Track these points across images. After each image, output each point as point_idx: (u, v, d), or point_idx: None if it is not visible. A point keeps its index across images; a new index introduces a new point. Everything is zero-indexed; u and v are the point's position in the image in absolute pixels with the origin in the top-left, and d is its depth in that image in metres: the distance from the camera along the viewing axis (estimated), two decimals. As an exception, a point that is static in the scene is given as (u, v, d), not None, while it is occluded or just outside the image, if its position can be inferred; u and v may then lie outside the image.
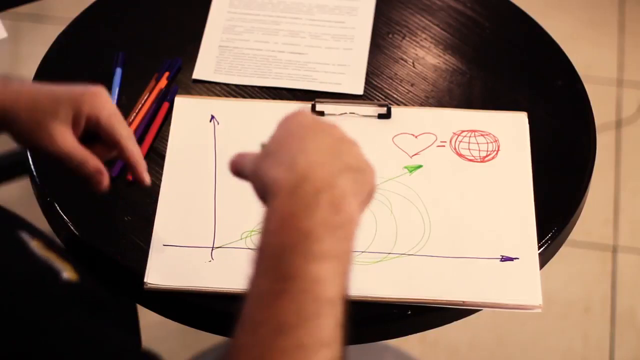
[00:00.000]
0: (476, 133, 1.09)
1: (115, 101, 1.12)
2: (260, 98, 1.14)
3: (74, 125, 0.89)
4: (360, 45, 1.20)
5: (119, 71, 1.14)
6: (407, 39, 1.21)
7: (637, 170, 2.07)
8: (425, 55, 1.19)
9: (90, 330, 0.61)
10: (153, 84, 1.14)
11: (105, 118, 0.89)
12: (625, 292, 1.87)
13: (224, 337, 1.01)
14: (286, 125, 0.74)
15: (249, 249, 0.99)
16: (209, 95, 1.14)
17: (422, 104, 1.14)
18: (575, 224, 1.06)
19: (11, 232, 0.65)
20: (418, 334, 0.99)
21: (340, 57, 1.18)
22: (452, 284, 0.96)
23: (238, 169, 0.78)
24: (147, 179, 0.93)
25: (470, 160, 1.07)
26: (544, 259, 1.01)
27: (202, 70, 1.17)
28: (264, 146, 0.75)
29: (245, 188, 1.05)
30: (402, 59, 1.19)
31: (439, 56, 1.19)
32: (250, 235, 1.00)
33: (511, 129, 1.10)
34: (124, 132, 0.91)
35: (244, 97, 1.14)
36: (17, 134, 0.88)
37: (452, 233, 1.00)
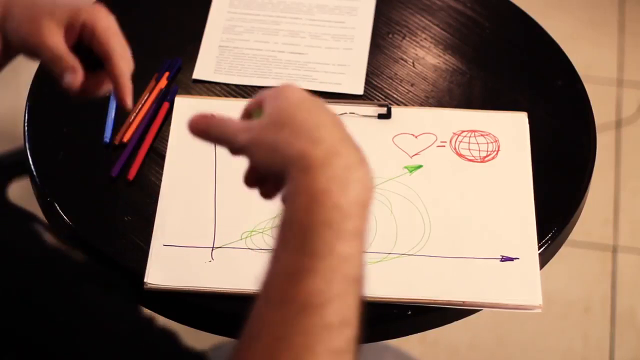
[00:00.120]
0: (476, 133, 1.09)
1: (115, 101, 1.12)
2: (260, 98, 1.14)
3: (68, 30, 0.85)
4: (360, 45, 1.20)
5: (119, 71, 1.14)
6: (407, 39, 1.21)
7: (637, 170, 2.06)
8: (425, 55, 1.19)
9: (104, 305, 0.61)
10: (153, 84, 1.14)
11: (101, 29, 0.85)
12: (625, 292, 1.87)
13: (224, 337, 1.01)
14: (284, 96, 0.73)
15: (249, 249, 0.99)
16: (209, 95, 1.14)
17: (422, 104, 1.14)
18: (575, 224, 1.06)
19: (27, 224, 0.65)
20: (418, 334, 0.99)
21: (340, 57, 1.18)
22: (452, 284, 0.96)
23: (212, 132, 0.75)
24: (129, 102, 0.87)
25: (470, 160, 1.07)
26: (544, 259, 1.01)
27: (202, 70, 1.17)
28: (257, 115, 0.74)
29: (245, 188, 1.05)
30: (402, 59, 1.19)
31: (439, 56, 1.19)
32: (250, 235, 1.00)
33: (511, 129, 1.10)
34: (118, 48, 0.86)
35: (244, 97, 1.14)
36: (10, 31, 0.85)
37: (452, 233, 1.00)
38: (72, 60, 0.85)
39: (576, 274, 1.88)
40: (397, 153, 1.07)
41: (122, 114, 1.10)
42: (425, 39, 1.21)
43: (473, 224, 1.01)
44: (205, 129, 0.75)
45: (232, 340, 0.67)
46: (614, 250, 1.93)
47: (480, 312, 0.96)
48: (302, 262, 0.65)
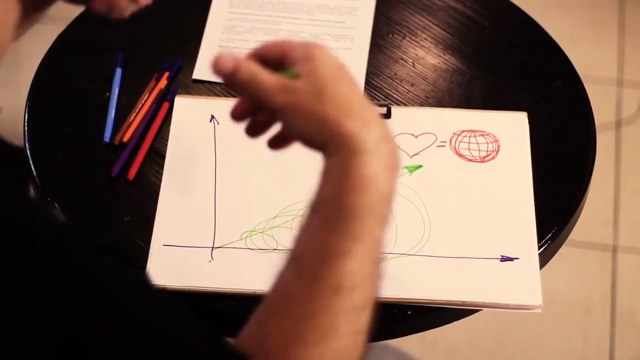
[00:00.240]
0: (476, 133, 1.09)
1: (115, 101, 1.12)
2: (260, 98, 1.14)
3: None
4: (360, 45, 1.20)
5: (119, 71, 1.14)
6: (407, 39, 1.21)
7: (637, 170, 2.07)
8: (425, 55, 1.19)
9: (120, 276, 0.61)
10: (153, 84, 1.14)
11: None
12: (625, 292, 1.87)
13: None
14: (319, 61, 0.70)
15: (249, 249, 0.99)
16: (209, 95, 1.14)
17: (422, 104, 1.14)
18: (575, 224, 1.06)
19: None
20: (418, 334, 0.99)
21: (340, 57, 1.18)
22: (452, 284, 0.96)
23: (240, 77, 0.71)
24: None
25: (470, 160, 1.07)
26: (544, 259, 1.01)
27: (202, 70, 1.17)
28: (288, 74, 0.70)
29: (245, 188, 1.05)
30: (402, 59, 1.19)
31: (439, 56, 1.19)
32: (250, 235, 1.00)
33: (511, 129, 1.10)
34: None
35: (244, 97, 1.14)
36: None
37: (452, 233, 1.00)
38: None
39: (576, 274, 1.88)
40: (397, 153, 1.07)
41: (122, 114, 1.10)
42: (425, 39, 1.21)
43: (473, 224, 1.01)
44: (231, 72, 0.71)
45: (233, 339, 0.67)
46: (614, 250, 1.93)
47: (480, 312, 0.96)
48: (341, 245, 0.66)
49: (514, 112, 1.11)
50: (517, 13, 1.24)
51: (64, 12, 1.08)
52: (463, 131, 1.09)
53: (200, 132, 1.08)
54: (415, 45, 1.20)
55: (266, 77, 0.70)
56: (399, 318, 0.95)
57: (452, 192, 1.04)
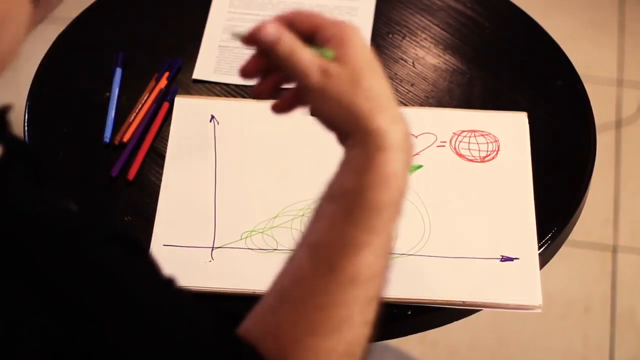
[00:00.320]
0: (476, 133, 1.09)
1: (115, 101, 1.12)
2: (260, 98, 1.13)
3: None
4: (360, 45, 1.19)
5: (119, 71, 1.14)
6: (407, 39, 1.21)
7: (637, 170, 2.06)
8: (425, 55, 1.19)
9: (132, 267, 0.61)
10: (153, 84, 1.14)
11: None
12: (625, 292, 1.87)
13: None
14: (356, 46, 0.69)
15: (249, 249, 0.99)
16: (209, 95, 1.14)
17: (422, 104, 1.14)
18: (575, 224, 1.06)
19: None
20: (418, 334, 0.99)
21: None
22: (452, 284, 0.96)
23: (282, 49, 0.69)
24: None
25: (470, 160, 1.07)
26: (544, 259, 1.01)
27: (202, 70, 1.17)
28: (324, 52, 0.69)
29: (245, 188, 1.05)
30: (402, 59, 1.19)
31: (439, 56, 1.19)
32: (250, 235, 1.00)
33: (511, 129, 1.10)
34: None
35: (244, 97, 1.14)
36: None
37: (452, 233, 1.00)
38: None
39: (576, 274, 1.88)
40: (397, 153, 1.07)
41: (122, 114, 1.10)
42: (425, 39, 1.21)
43: (473, 224, 1.01)
44: (272, 42, 0.69)
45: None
46: (614, 250, 1.93)
47: (480, 312, 0.96)
48: (360, 237, 0.67)
49: (514, 112, 1.11)
50: (517, 13, 1.24)
51: (64, 12, 1.08)
52: (463, 131, 1.09)
53: (200, 132, 1.08)
54: (415, 45, 1.20)
55: (306, 56, 0.69)
56: (399, 318, 0.95)
57: (452, 192, 1.04)
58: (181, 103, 1.11)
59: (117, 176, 1.05)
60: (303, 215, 1.01)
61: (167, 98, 1.12)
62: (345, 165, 0.69)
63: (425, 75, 1.17)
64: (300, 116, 1.10)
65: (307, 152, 1.07)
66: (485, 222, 1.01)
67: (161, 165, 1.06)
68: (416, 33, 1.22)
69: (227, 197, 1.03)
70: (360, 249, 0.66)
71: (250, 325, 0.67)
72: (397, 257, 0.98)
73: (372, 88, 0.69)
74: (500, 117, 1.11)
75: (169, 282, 0.63)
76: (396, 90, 1.15)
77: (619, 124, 2.13)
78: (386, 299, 0.94)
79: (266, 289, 0.69)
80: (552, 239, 1.01)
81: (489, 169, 1.06)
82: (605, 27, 2.32)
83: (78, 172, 1.06)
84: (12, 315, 0.54)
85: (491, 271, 0.97)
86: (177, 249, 0.98)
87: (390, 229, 0.69)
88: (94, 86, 1.14)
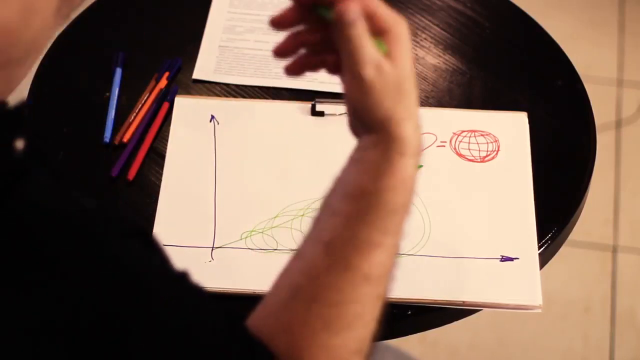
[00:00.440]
0: (476, 133, 1.09)
1: (115, 101, 1.12)
2: (260, 98, 1.14)
3: None
4: (360, 45, 1.19)
5: (119, 71, 1.14)
6: (407, 39, 1.21)
7: (637, 170, 2.07)
8: (425, 55, 1.19)
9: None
10: (153, 84, 1.14)
11: None
12: (625, 292, 1.87)
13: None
14: (409, 53, 0.70)
15: (249, 249, 0.99)
16: (209, 95, 1.14)
17: (422, 104, 1.13)
18: (575, 224, 1.06)
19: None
20: (418, 334, 0.99)
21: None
22: (452, 284, 0.96)
23: (353, 36, 0.67)
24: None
25: (470, 160, 1.07)
26: (544, 259, 1.01)
27: (202, 70, 1.17)
28: (384, 50, 0.69)
29: (245, 188, 1.05)
30: (402, 59, 1.18)
31: (439, 56, 1.19)
32: (250, 235, 1.00)
33: (511, 129, 1.10)
34: None
35: (244, 97, 1.14)
36: None
37: (452, 233, 1.00)
38: None
39: (576, 274, 1.88)
40: (397, 153, 1.07)
41: (122, 114, 1.10)
42: (425, 39, 1.21)
43: (473, 224, 1.01)
44: (348, 21, 0.68)
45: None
46: (614, 250, 1.93)
47: (480, 312, 0.96)
48: (376, 237, 0.68)
49: (514, 112, 1.11)
50: (517, 13, 1.24)
51: (64, 12, 1.07)
52: (463, 131, 1.09)
53: (200, 132, 1.08)
54: (415, 45, 1.20)
55: (370, 47, 0.68)
56: (399, 318, 0.95)
57: (452, 192, 1.04)
58: (181, 103, 1.11)
59: (117, 176, 1.05)
60: (303, 215, 1.01)
61: (167, 98, 1.12)
62: (362, 165, 0.70)
63: (425, 75, 1.17)
64: (300, 116, 1.10)
65: (307, 152, 1.07)
66: (485, 222, 1.01)
67: (161, 165, 1.06)
68: (416, 33, 1.21)
69: (227, 197, 1.03)
70: (375, 248, 0.68)
71: (260, 321, 0.67)
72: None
73: (410, 95, 0.70)
74: (500, 117, 1.11)
75: (183, 278, 0.63)
76: (396, 90, 1.14)
77: (619, 124, 2.13)
78: (386, 299, 0.94)
79: (273, 285, 0.69)
80: (552, 239, 1.01)
81: (489, 169, 1.06)
82: (605, 27, 2.32)
83: (78, 172, 1.06)
84: (31, 308, 0.55)
85: (491, 271, 0.97)
86: (177, 248, 0.98)
87: (401, 229, 0.71)
88: (94, 86, 1.14)
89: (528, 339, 1.80)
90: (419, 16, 1.23)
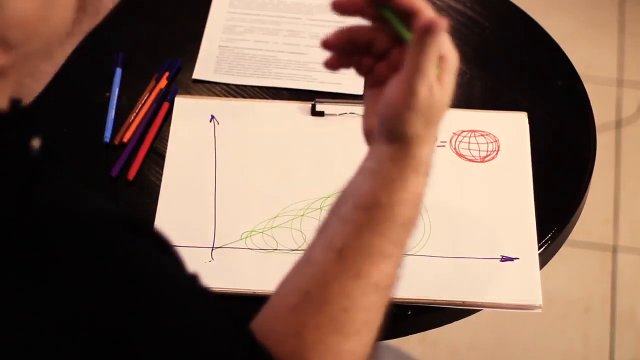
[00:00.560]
0: (476, 133, 1.09)
1: (115, 101, 1.12)
2: (260, 98, 1.14)
3: None
4: (360, 45, 1.19)
5: (119, 71, 1.14)
6: (407, 39, 1.21)
7: (637, 170, 2.07)
8: (425, 55, 1.19)
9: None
10: (153, 84, 1.14)
11: None
12: (625, 292, 1.87)
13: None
14: (451, 86, 0.71)
15: (249, 249, 0.99)
16: (209, 95, 1.14)
17: (422, 104, 1.13)
18: (575, 224, 1.06)
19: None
20: (418, 334, 0.99)
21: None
22: (452, 284, 0.96)
23: (430, 52, 0.68)
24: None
25: (470, 160, 1.07)
26: (544, 259, 1.01)
27: (202, 70, 1.17)
28: (436, 72, 0.70)
29: (245, 188, 1.05)
30: (402, 59, 1.18)
31: (439, 56, 1.19)
32: (250, 235, 1.00)
33: (511, 129, 1.10)
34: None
35: (244, 97, 1.14)
36: None
37: (452, 233, 1.00)
38: None
39: (576, 274, 1.88)
40: (397, 153, 1.07)
41: (122, 114, 1.10)
42: (425, 39, 1.21)
43: (473, 224, 1.01)
44: (437, 38, 0.68)
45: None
46: (614, 250, 1.93)
47: (480, 312, 0.96)
48: (387, 248, 0.70)
49: (514, 112, 1.11)
50: (517, 13, 1.24)
51: (64, 12, 1.07)
52: (463, 131, 1.09)
53: (200, 132, 1.08)
54: (415, 45, 1.20)
55: (432, 69, 0.69)
56: (399, 318, 0.95)
57: (452, 192, 1.04)
58: (181, 103, 1.11)
59: (117, 176, 1.05)
60: (303, 215, 1.01)
61: (167, 98, 1.12)
62: (378, 177, 0.71)
63: (425, 75, 1.17)
64: (300, 116, 1.10)
65: (307, 152, 1.07)
66: (485, 222, 1.01)
67: (161, 165, 1.06)
68: (416, 33, 1.21)
69: (227, 197, 1.03)
70: (385, 258, 0.70)
71: (268, 325, 0.68)
72: (397, 257, 0.98)
73: (440, 121, 0.72)
74: (500, 117, 1.11)
75: (193, 282, 0.64)
76: (396, 90, 1.14)
77: (619, 124, 2.13)
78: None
79: (280, 290, 0.70)
80: (552, 239, 1.01)
81: (489, 169, 1.06)
82: (605, 27, 2.32)
83: (78, 172, 1.06)
84: (43, 306, 0.56)
85: (491, 271, 0.97)
86: (177, 249, 0.98)
87: (408, 244, 0.72)
88: (94, 86, 1.14)
89: (528, 339, 1.80)
90: (419, 16, 1.23)
